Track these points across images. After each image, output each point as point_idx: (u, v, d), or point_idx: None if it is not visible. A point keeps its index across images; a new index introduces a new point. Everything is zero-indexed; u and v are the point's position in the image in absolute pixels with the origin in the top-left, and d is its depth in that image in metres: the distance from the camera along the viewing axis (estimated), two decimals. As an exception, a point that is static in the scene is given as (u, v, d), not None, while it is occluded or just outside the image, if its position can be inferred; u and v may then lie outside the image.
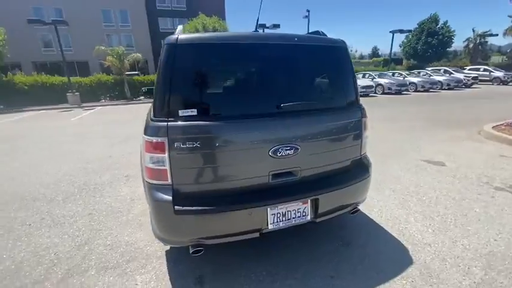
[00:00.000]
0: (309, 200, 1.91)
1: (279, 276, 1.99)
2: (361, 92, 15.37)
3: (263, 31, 2.26)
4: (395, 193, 3.28)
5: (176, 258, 2.20)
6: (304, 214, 1.92)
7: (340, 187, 1.99)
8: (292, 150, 1.82)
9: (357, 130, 2.12)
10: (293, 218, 1.89)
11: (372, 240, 2.39)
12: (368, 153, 2.31)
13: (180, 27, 1.94)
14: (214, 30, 15.68)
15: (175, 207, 1.66)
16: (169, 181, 1.70)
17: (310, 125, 1.92)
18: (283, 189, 1.88)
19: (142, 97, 15.76)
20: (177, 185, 1.71)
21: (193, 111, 1.68)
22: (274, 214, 1.83)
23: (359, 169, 2.17)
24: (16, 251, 2.38)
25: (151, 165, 1.71)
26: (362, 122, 2.14)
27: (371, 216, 2.77)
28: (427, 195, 3.19)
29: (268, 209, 1.80)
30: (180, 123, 1.66)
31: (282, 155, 1.80)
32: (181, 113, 1.67)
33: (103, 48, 16.90)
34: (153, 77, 17.50)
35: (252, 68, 1.97)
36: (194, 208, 1.67)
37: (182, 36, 1.70)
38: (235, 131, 1.74)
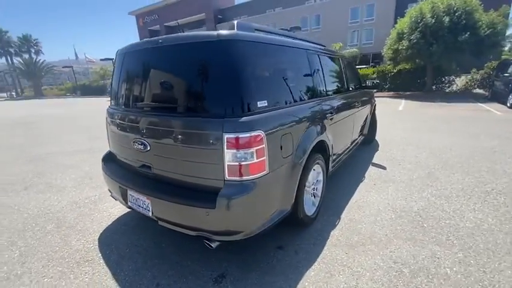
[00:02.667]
0: (151, 198, 1.97)
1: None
2: None
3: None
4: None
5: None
6: (148, 209, 2.01)
7: (168, 200, 1.84)
8: (142, 146, 1.99)
9: (213, 147, 1.68)
10: (141, 207, 2.07)
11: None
12: None
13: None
14: (449, 9, 11.77)
15: (102, 162, 2.56)
16: (109, 146, 2.61)
17: (156, 127, 1.95)
18: (139, 178, 2.11)
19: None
20: (110, 148, 2.59)
21: (112, 101, 2.42)
22: (132, 196, 2.14)
23: (213, 194, 1.71)
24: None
25: (109, 135, 2.69)
26: (223, 138, 1.64)
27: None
28: None
29: (128, 189, 2.16)
30: (108, 108, 2.47)
31: (136, 148, 2.04)
32: (111, 102, 2.47)
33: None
34: (367, 70, 16.98)
35: (138, 70, 2.15)
36: (103, 166, 2.48)
37: (123, 47, 2.40)
38: (115, 119, 2.28)
